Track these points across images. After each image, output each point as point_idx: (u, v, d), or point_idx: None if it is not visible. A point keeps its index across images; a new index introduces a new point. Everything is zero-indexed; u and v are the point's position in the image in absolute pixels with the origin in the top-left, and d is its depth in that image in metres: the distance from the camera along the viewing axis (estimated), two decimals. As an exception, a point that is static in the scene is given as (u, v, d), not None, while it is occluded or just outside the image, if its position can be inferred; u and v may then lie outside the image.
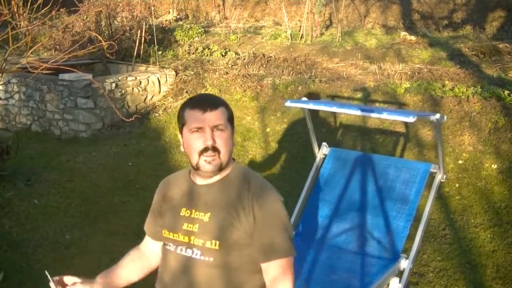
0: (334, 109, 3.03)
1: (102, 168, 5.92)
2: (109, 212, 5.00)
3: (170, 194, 1.87)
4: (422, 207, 3.25)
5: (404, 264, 3.04)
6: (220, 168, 1.74)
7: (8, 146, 5.60)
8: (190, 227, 1.74)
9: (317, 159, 3.57)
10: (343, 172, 3.42)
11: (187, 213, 1.77)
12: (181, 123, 1.78)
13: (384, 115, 2.79)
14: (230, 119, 1.78)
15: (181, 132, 1.79)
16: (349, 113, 2.91)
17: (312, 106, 3.10)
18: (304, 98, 3.46)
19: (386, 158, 3.51)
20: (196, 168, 1.75)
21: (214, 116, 1.72)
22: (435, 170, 3.22)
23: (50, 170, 5.90)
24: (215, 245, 1.70)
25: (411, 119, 2.68)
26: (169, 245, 1.81)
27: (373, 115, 2.86)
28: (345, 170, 3.42)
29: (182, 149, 1.81)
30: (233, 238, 1.70)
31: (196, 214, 1.75)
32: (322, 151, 3.57)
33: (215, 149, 1.71)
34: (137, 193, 5.33)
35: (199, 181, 1.79)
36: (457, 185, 4.85)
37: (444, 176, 3.28)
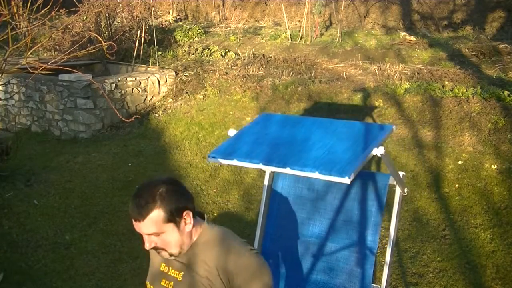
0: (260, 166, 2.50)
1: (101, 169, 5.92)
2: (109, 212, 5.00)
3: None
4: (388, 226, 2.98)
5: None
6: (175, 255, 1.75)
7: (8, 147, 5.60)
8: (166, 284, 1.81)
9: (266, 178, 3.14)
10: (295, 192, 3.09)
11: (165, 269, 1.82)
12: None
13: (316, 174, 2.32)
14: (170, 217, 1.68)
15: None
16: (277, 170, 2.47)
17: (236, 162, 2.57)
18: (232, 131, 2.90)
19: None
20: None
21: (144, 226, 1.68)
22: (395, 183, 2.86)
23: (50, 170, 5.90)
24: None
25: (346, 180, 2.25)
26: None
27: (302, 173, 2.37)
28: (297, 189, 3.07)
29: None
30: None
31: (172, 272, 1.80)
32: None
33: (157, 247, 1.73)
34: (137, 193, 5.33)
35: None
36: (457, 185, 4.85)
37: (406, 190, 2.91)
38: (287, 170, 2.41)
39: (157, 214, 1.65)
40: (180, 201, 1.70)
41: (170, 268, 1.80)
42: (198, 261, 1.75)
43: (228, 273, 1.71)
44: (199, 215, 1.83)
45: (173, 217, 1.68)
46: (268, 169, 2.64)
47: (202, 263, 1.75)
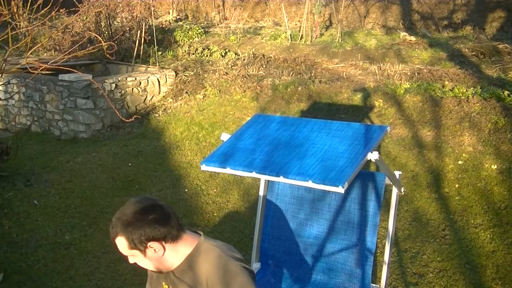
0: (253, 174, 2.47)
1: (101, 169, 5.92)
2: (109, 212, 5.00)
3: None
4: (387, 226, 2.99)
5: None
6: (161, 271, 1.84)
7: (8, 147, 5.60)
8: None
9: (261, 186, 3.12)
10: (292, 193, 3.09)
11: (165, 287, 1.88)
12: None
13: (309, 183, 2.32)
14: (133, 245, 1.74)
15: None
16: (271, 179, 2.49)
17: (229, 170, 2.56)
18: (225, 135, 2.89)
19: None
20: None
21: (118, 247, 1.78)
22: (391, 183, 2.83)
23: (50, 170, 5.90)
24: None
25: (340, 190, 2.25)
26: None
27: (296, 182, 2.37)
28: (294, 189, 3.07)
29: None
30: None
31: None
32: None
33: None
34: (137, 193, 5.33)
35: None
36: (457, 185, 4.85)
37: (403, 189, 2.89)
38: (281, 179, 2.39)
39: (121, 240, 1.74)
40: (145, 231, 1.71)
41: (171, 287, 1.85)
42: (193, 276, 1.79)
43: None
44: (191, 230, 1.88)
45: (136, 245, 1.73)
46: (262, 178, 2.61)
47: (197, 279, 1.78)
